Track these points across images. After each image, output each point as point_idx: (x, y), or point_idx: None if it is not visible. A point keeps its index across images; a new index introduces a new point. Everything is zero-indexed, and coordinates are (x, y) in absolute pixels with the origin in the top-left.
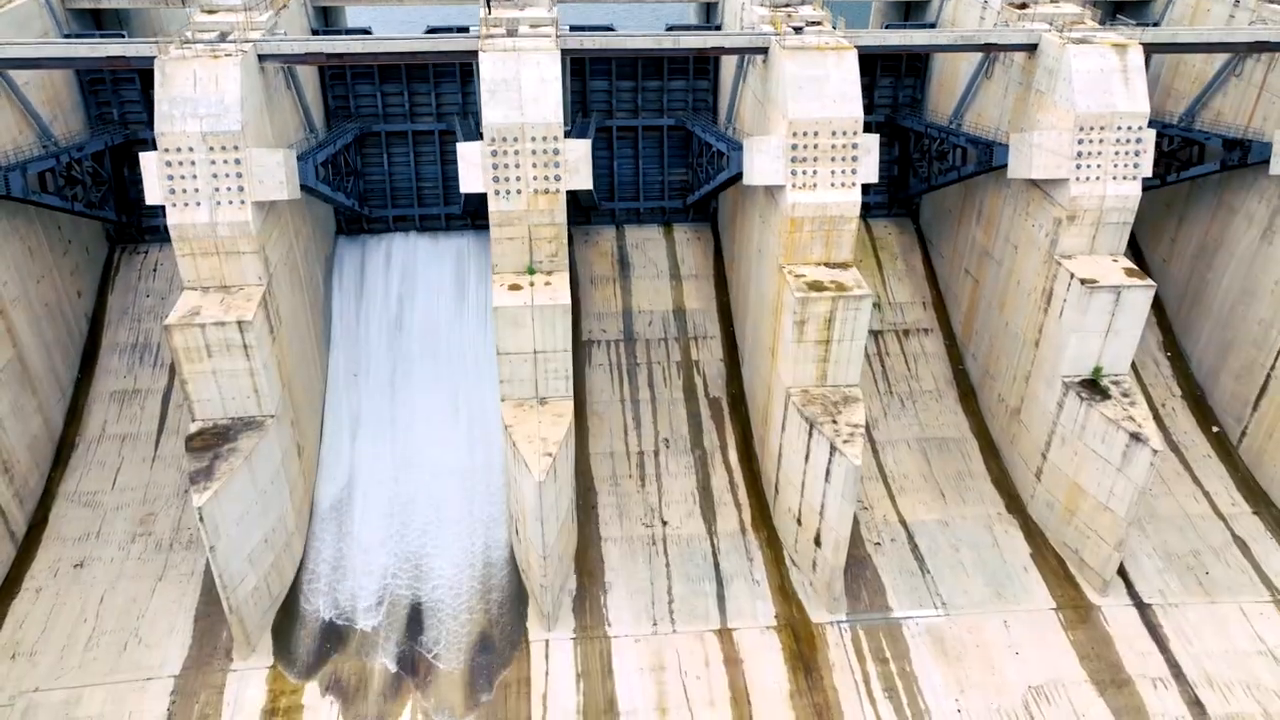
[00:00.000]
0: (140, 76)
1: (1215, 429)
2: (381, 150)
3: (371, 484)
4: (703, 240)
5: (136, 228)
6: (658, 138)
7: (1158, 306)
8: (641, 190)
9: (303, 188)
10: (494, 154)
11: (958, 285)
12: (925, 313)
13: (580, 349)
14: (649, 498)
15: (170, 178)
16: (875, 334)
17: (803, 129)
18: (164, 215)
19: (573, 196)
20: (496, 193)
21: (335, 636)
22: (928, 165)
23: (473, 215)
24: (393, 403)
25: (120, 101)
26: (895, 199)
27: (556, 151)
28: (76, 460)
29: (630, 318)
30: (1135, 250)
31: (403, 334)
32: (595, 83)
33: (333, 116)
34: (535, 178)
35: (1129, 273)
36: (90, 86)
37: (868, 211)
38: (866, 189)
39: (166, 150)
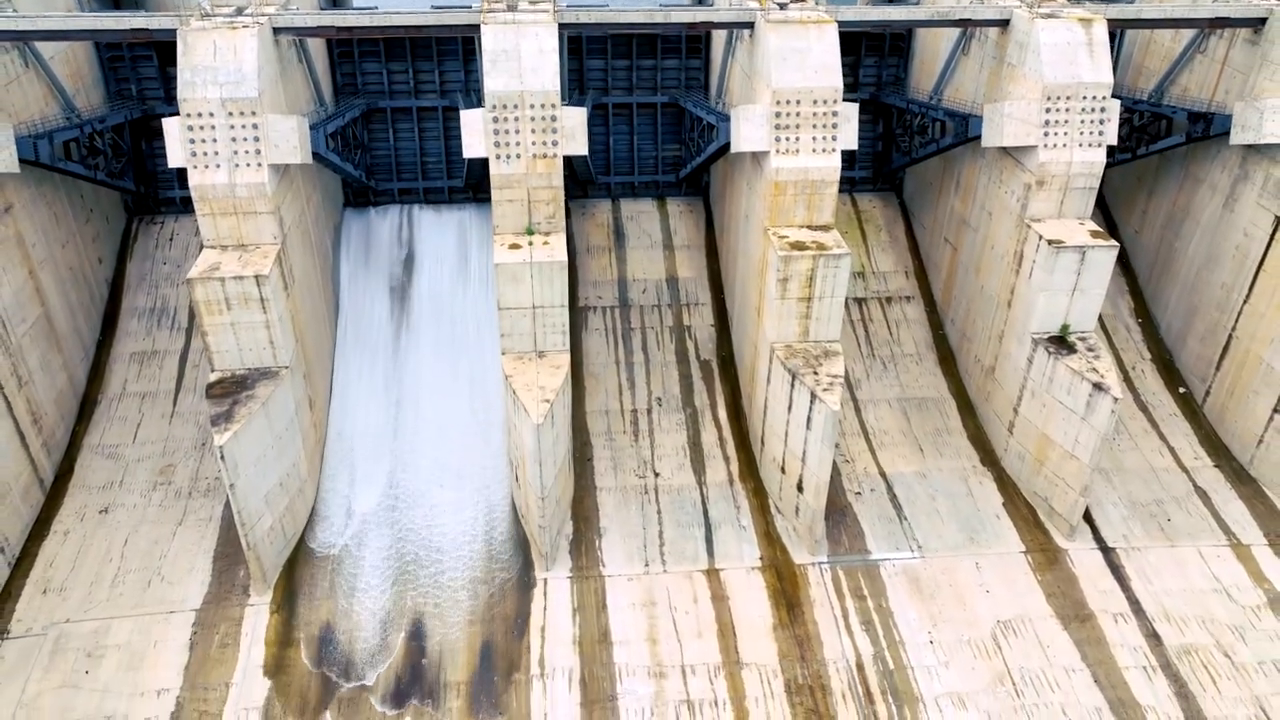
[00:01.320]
0: (158, 53)
1: (1182, 389)
2: (387, 126)
3: (377, 441)
4: (695, 213)
5: (154, 199)
6: (652, 115)
7: (1129, 274)
8: (636, 165)
9: (314, 156)
10: (495, 120)
11: (938, 254)
12: (907, 281)
13: (577, 314)
14: (642, 451)
15: (192, 141)
16: (859, 301)
17: (786, 97)
18: (180, 188)
19: (570, 171)
20: (497, 157)
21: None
22: (909, 139)
23: (474, 188)
24: (398, 366)
25: (138, 78)
26: (879, 174)
27: (554, 118)
28: (99, 415)
29: (625, 285)
30: (1109, 222)
31: (407, 301)
32: (591, 61)
33: (340, 93)
34: (534, 143)
35: (1094, 234)
36: (110, 63)
37: (853, 186)
38: (851, 164)
39: (188, 115)
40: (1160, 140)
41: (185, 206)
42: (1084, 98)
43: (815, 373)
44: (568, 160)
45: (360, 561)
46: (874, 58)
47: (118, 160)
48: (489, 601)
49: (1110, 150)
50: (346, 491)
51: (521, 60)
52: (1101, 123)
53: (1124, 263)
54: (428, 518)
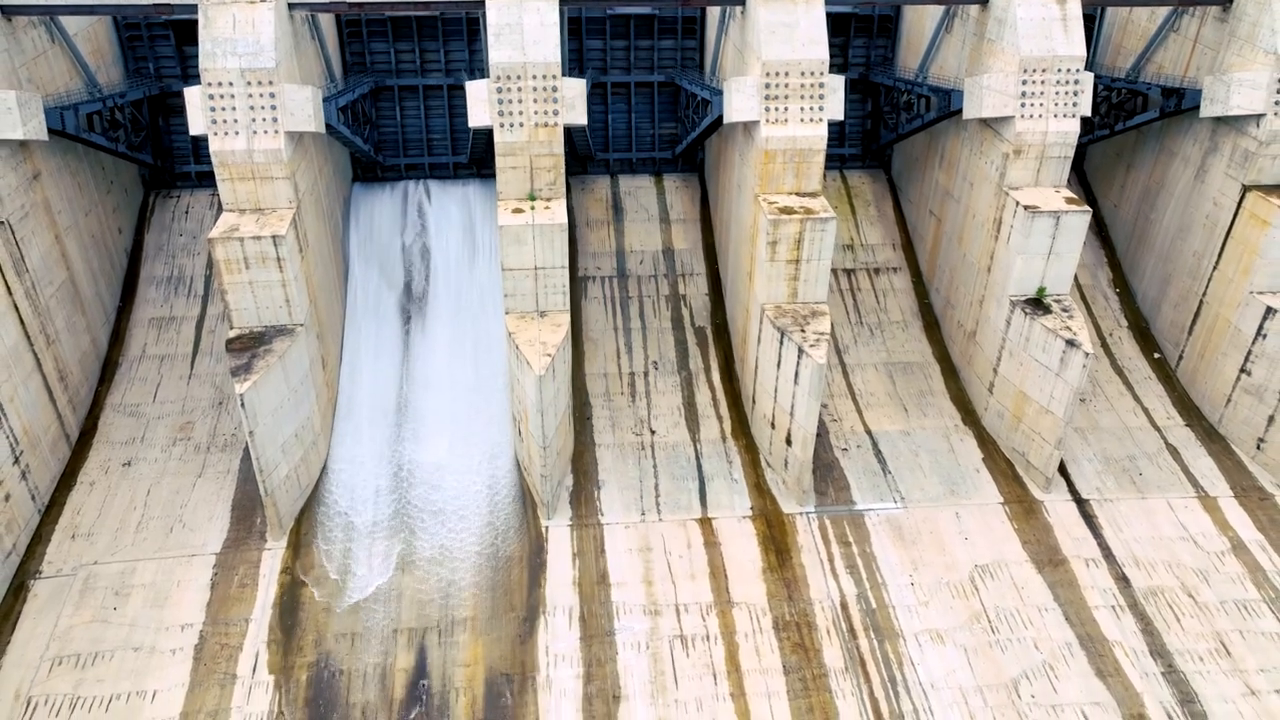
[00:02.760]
0: (175, 32)
1: (1156, 354)
2: (394, 103)
3: (386, 400)
4: (690, 188)
5: (170, 174)
6: (649, 93)
7: (1108, 246)
8: (634, 142)
9: (326, 128)
10: (499, 90)
11: (923, 226)
12: (894, 253)
13: (577, 284)
14: (639, 411)
15: (212, 109)
16: (848, 272)
17: (775, 69)
18: (195, 163)
19: (570, 147)
20: (501, 125)
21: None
22: (896, 116)
23: (478, 163)
24: (405, 332)
25: (156, 56)
26: (868, 151)
27: (555, 89)
28: (120, 377)
29: (623, 257)
30: (1090, 197)
31: (414, 271)
32: (591, 42)
33: (350, 71)
34: (536, 112)
35: (1069, 200)
36: (129, 41)
37: (843, 163)
38: (841, 142)
39: (209, 85)
40: (1136, 116)
41: (200, 181)
42: (1059, 70)
43: (803, 330)
44: (568, 136)
45: (370, 509)
46: (863, 38)
47: (136, 134)
48: (493, 548)
49: (1090, 126)
50: (355, 447)
51: (524, 33)
52: (1075, 94)
53: (1103, 235)
54: (434, 473)
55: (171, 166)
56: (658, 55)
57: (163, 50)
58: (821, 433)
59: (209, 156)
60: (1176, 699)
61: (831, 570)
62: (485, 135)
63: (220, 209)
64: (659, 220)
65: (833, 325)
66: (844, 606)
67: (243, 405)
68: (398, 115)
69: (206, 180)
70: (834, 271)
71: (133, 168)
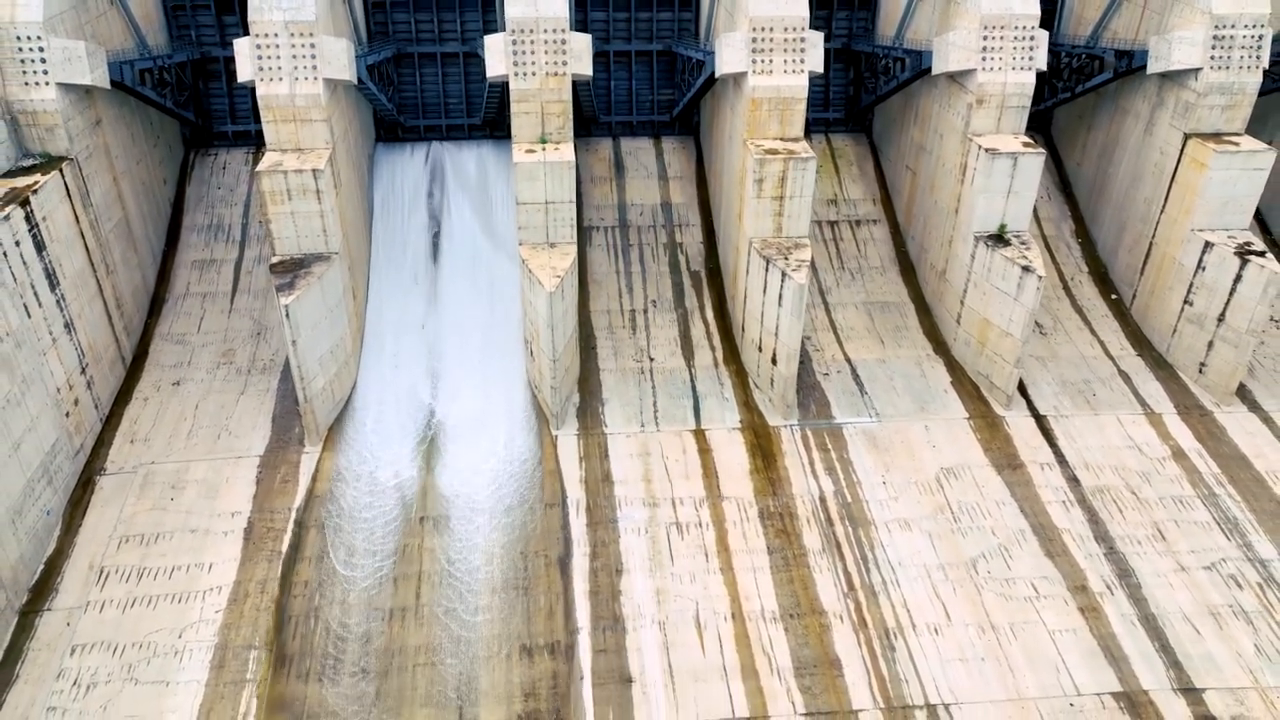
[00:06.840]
0: (215, 3)
1: (1114, 296)
2: (414, 69)
3: (408, 336)
4: (687, 150)
5: (208, 133)
6: (648, 61)
7: (1071, 200)
8: (634, 106)
9: (357, 82)
10: (514, 43)
11: (901, 181)
12: (874, 207)
13: (582, 234)
14: (639, 341)
15: (259, 57)
16: (832, 224)
17: (761, 24)
18: (232, 123)
19: (576, 110)
20: (516, 74)
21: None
22: (875, 80)
23: (491, 125)
24: (425, 276)
25: (197, 25)
26: (851, 115)
27: (563, 41)
28: (167, 311)
29: (624, 209)
30: (1055, 156)
31: (433, 222)
32: (595, 13)
33: (373, 38)
34: (547, 62)
35: (1025, 144)
36: (173, 11)
37: (828, 127)
38: (826, 106)
39: (256, 35)
40: (1094, 78)
41: (236, 140)
42: (1016, 27)
43: (786, 258)
44: (575, 98)
45: (396, 423)
46: (845, 11)
47: (181, 93)
48: (507, 453)
49: (1053, 89)
50: (382, 372)
51: None
52: (1031, 49)
53: (1067, 191)
54: (454, 395)
55: (210, 126)
56: (656, 26)
57: (203, 19)
58: (805, 361)
59: (245, 117)
60: (1115, 574)
61: (812, 472)
62: (499, 96)
63: (254, 165)
64: (658, 177)
65: (817, 268)
66: (822, 500)
67: (287, 316)
68: (417, 80)
69: (241, 139)
70: (819, 223)
71: (175, 126)
